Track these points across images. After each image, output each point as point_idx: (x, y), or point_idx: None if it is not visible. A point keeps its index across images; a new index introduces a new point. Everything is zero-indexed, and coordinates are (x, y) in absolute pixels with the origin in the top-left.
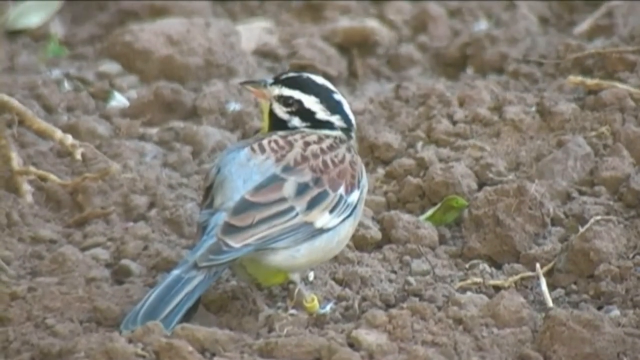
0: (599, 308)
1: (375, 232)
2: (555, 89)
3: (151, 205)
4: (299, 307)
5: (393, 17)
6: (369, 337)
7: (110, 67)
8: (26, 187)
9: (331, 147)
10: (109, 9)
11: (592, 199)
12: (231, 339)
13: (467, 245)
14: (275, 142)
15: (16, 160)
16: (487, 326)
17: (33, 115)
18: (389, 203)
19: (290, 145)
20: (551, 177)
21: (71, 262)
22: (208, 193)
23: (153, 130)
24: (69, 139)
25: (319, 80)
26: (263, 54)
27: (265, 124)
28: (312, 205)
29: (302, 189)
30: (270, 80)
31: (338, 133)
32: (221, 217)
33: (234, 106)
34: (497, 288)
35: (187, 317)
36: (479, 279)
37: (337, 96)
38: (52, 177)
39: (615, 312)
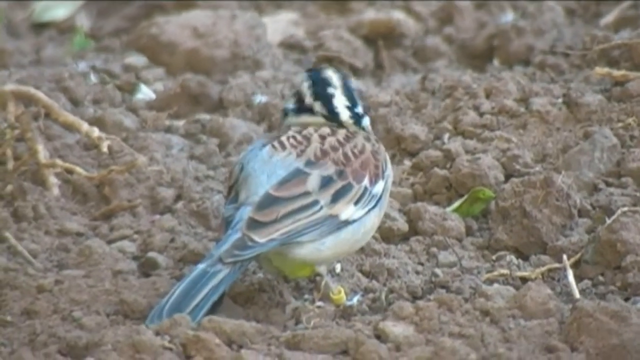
0: (626, 299)
1: (402, 224)
2: (582, 80)
3: (178, 197)
4: (326, 299)
5: (419, 8)
6: (396, 329)
7: (137, 59)
8: (53, 180)
9: (347, 138)
10: (134, 2)
11: (619, 190)
12: (258, 331)
13: (494, 237)
14: (293, 137)
15: (43, 153)
16: (514, 318)
17: (59, 108)
18: (416, 195)
19: (307, 139)
20: (578, 169)
21: (98, 254)
22: (232, 189)
23: (179, 123)
24: (95, 132)
25: (330, 72)
26: (289, 46)
27: None
28: (336, 198)
29: (326, 182)
30: None
31: (320, 119)
32: (246, 212)
33: (260, 98)
34: (524, 279)
35: (213, 310)
36: (505, 271)
37: (331, 89)
38: (79, 169)
39: None
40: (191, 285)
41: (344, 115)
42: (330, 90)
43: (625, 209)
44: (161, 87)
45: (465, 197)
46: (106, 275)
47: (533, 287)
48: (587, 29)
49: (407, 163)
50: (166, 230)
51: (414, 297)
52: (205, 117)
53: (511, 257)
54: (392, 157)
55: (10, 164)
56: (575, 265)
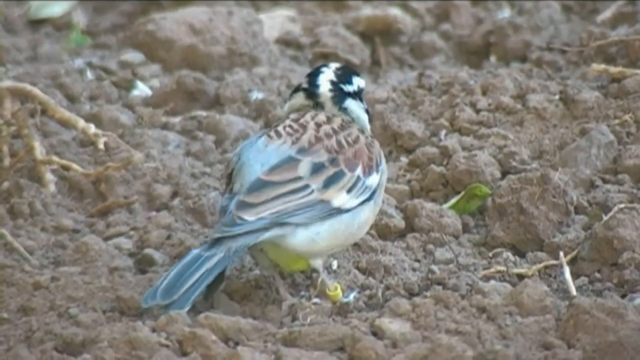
0: (623, 296)
1: (398, 221)
2: (579, 77)
3: (174, 194)
4: (323, 296)
5: (416, 5)
6: (393, 325)
7: (133, 56)
8: (49, 177)
9: (342, 127)
10: None
11: (616, 187)
12: (254, 328)
13: (491, 234)
14: (290, 126)
15: (39, 150)
16: (510, 314)
17: (56, 105)
18: (413, 192)
19: (304, 127)
20: (574, 166)
21: (94, 251)
22: (229, 180)
23: (176, 119)
24: (92, 128)
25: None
26: (286, 42)
27: None
28: (328, 184)
29: (317, 168)
30: None
31: (303, 100)
32: (236, 200)
33: (256, 95)
34: (521, 276)
35: (208, 296)
36: (502, 268)
37: (324, 68)
38: (75, 166)
39: (639, 301)
40: (185, 268)
41: (324, 87)
42: (323, 69)
43: (622, 205)
44: (157, 84)
45: (462, 194)
46: (102, 272)
47: (530, 284)
48: (584, 25)
49: (404, 160)
50: (162, 227)
51: (411, 294)
52: (201, 113)
53: (508, 254)
54: (389, 154)
55: (7, 161)
56: (571, 262)
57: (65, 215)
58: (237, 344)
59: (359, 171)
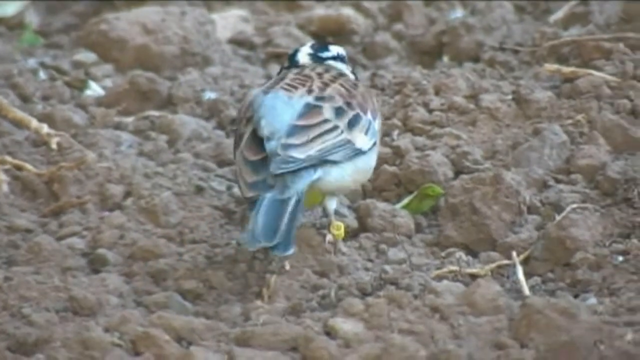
0: (576, 296)
1: (351, 221)
2: (531, 77)
3: (127, 194)
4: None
5: (368, 5)
6: (346, 325)
7: (86, 56)
8: (2, 177)
9: (339, 75)
10: None
11: (569, 187)
12: (207, 327)
13: (444, 234)
14: (296, 79)
15: None
16: (463, 314)
17: (8, 105)
18: (365, 191)
19: (309, 77)
20: (527, 165)
21: (47, 251)
22: (244, 125)
23: (129, 119)
24: (45, 128)
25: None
26: (238, 42)
27: None
28: (351, 125)
29: (339, 112)
30: None
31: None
32: (277, 144)
33: (209, 95)
34: (474, 276)
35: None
36: (455, 267)
37: (300, 47)
38: (28, 166)
39: (592, 301)
40: (270, 212)
41: (304, 59)
42: (299, 48)
43: (575, 205)
44: (110, 84)
45: (415, 193)
46: (55, 272)
47: (482, 284)
48: (537, 25)
49: None
50: (115, 226)
51: (364, 294)
52: (154, 113)
53: (460, 254)
54: None
55: None
56: (524, 262)
57: (18, 215)
58: (190, 343)
59: (369, 115)
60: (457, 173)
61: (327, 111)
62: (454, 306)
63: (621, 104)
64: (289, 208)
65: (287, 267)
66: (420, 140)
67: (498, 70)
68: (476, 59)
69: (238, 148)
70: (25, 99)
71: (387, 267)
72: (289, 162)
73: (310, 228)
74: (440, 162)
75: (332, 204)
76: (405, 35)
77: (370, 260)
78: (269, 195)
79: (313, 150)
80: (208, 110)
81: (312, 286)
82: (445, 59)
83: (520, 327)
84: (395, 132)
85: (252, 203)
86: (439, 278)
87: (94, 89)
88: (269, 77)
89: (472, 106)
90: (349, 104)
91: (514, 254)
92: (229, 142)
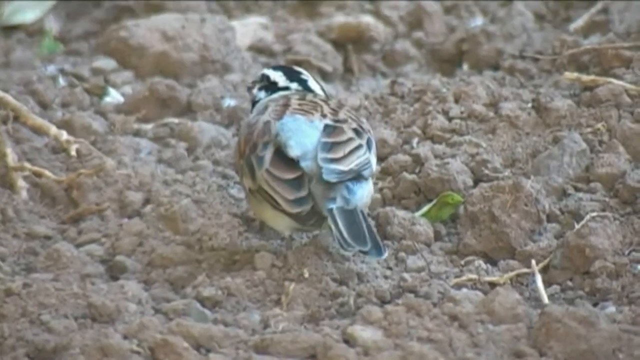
0: (595, 305)
1: (372, 223)
2: (551, 85)
3: (146, 201)
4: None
5: (388, 13)
6: (365, 333)
7: (105, 63)
8: (21, 184)
9: (339, 103)
10: (104, 5)
11: (588, 195)
12: (226, 335)
13: (463, 242)
14: (304, 105)
15: (11, 157)
16: (482, 322)
17: (28, 111)
18: (385, 199)
19: (316, 103)
20: (547, 174)
21: (66, 258)
22: (261, 155)
23: (148, 126)
24: (64, 135)
25: (295, 67)
26: (258, 49)
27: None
28: (368, 146)
29: (358, 133)
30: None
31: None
32: (314, 162)
33: (228, 102)
34: (493, 284)
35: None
36: (474, 276)
37: (304, 75)
38: (47, 173)
39: (611, 309)
40: (348, 221)
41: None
42: (303, 76)
43: (594, 214)
44: (130, 91)
45: (434, 201)
46: (74, 279)
47: (501, 292)
48: (557, 33)
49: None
50: (134, 234)
51: (383, 302)
52: (173, 120)
53: (480, 262)
54: None
55: None
56: (543, 271)
57: (37, 222)
58: (208, 351)
59: (373, 138)
60: (477, 181)
61: (349, 131)
62: (473, 314)
63: None
64: (360, 216)
65: (306, 274)
66: (440, 148)
67: (518, 78)
68: (496, 67)
69: (258, 171)
70: (44, 106)
71: (406, 275)
72: (340, 174)
73: (329, 236)
74: (459, 170)
75: None
76: (425, 43)
77: (389, 268)
78: (335, 207)
79: (353, 164)
80: (227, 117)
81: (331, 294)
82: (465, 66)
83: (539, 336)
84: (415, 140)
85: (301, 218)
86: (458, 286)
87: (114, 96)
88: None
89: (491, 114)
90: (361, 127)
91: (533, 262)
92: None
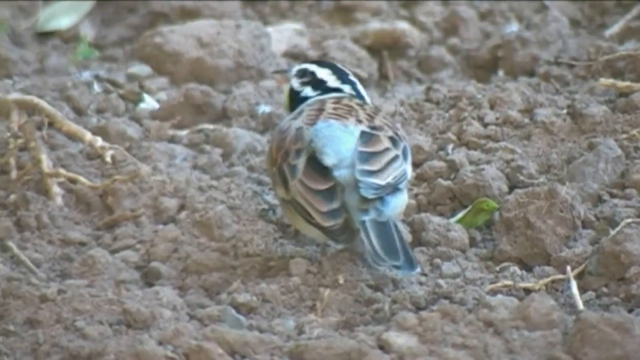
0: (630, 311)
1: (405, 235)
2: (587, 91)
3: (181, 207)
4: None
5: (424, 19)
6: (399, 339)
7: (140, 69)
8: (56, 190)
9: (375, 109)
10: (138, 11)
11: (623, 201)
12: (261, 341)
13: (498, 248)
14: (339, 109)
15: (46, 163)
16: (517, 329)
17: (63, 117)
18: (420, 205)
19: (351, 107)
20: (582, 180)
21: (101, 264)
22: (294, 164)
23: (183, 133)
24: (99, 141)
25: (339, 63)
26: (293, 55)
27: (285, 104)
28: (404, 155)
29: (394, 141)
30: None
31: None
32: (349, 171)
33: (263, 108)
34: (528, 291)
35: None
36: (509, 282)
37: (351, 77)
38: (82, 179)
39: None
40: (380, 235)
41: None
42: (352, 78)
43: (630, 220)
44: (165, 97)
45: (469, 208)
46: (109, 285)
47: (537, 298)
48: (592, 39)
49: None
50: (169, 240)
51: (418, 308)
52: (208, 127)
53: (515, 268)
54: None
55: (14, 173)
56: (579, 277)
57: (72, 228)
58: (243, 357)
59: (408, 145)
60: (512, 187)
61: (384, 140)
62: (508, 320)
63: None
64: (393, 229)
65: (341, 280)
66: (475, 154)
67: (553, 84)
68: (531, 73)
69: (291, 181)
70: (79, 112)
71: (441, 281)
72: (377, 189)
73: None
74: (494, 176)
75: None
76: (461, 49)
77: (425, 275)
78: (366, 219)
79: (390, 177)
80: (262, 123)
81: (366, 300)
82: (500, 73)
83: (574, 342)
84: (450, 146)
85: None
86: (493, 292)
87: (149, 102)
88: None
89: (527, 120)
90: (397, 135)
91: (569, 268)
92: None
